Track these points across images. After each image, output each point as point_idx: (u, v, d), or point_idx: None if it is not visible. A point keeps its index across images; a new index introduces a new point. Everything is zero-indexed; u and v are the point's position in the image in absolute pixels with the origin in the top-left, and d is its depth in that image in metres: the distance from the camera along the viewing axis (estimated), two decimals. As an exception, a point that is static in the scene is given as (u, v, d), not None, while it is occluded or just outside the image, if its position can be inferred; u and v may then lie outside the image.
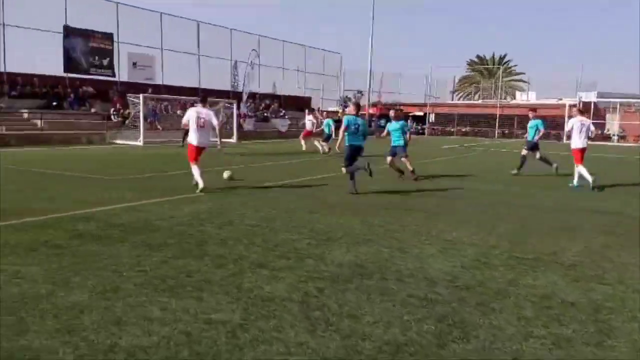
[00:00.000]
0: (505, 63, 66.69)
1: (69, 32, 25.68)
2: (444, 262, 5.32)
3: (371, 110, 50.25)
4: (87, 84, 27.01)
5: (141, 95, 22.41)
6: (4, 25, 24.18)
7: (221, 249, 5.56)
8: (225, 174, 10.79)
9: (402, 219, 7.53)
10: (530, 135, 13.91)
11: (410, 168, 12.23)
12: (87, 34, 26.41)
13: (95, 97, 26.96)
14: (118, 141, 22.12)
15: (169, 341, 3.29)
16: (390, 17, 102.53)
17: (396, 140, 12.28)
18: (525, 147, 13.96)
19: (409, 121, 51.30)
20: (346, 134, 9.95)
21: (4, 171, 11.85)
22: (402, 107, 53.17)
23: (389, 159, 12.48)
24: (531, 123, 13.84)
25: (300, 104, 43.69)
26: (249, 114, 33.89)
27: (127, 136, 21.88)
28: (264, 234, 6.28)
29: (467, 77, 72.68)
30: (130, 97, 23.36)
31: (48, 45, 25.89)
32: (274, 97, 40.50)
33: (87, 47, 26.46)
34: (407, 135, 12.43)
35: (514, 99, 57.83)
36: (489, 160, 19.93)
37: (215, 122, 9.77)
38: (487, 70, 68.47)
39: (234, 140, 26.12)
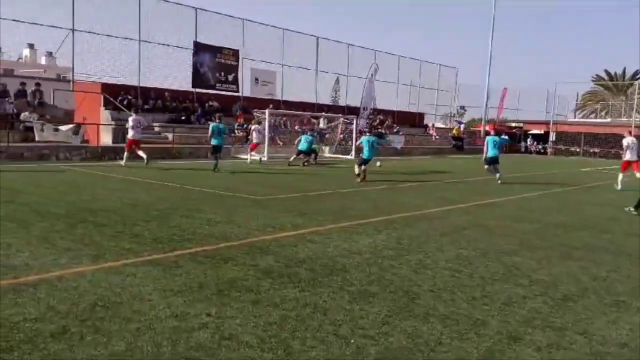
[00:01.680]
0: (639, 78, 60.59)
1: (199, 48, 26.33)
2: None
3: (487, 128, 47.50)
4: (212, 98, 27.54)
5: (267, 111, 22.22)
6: (140, 41, 25.22)
7: (441, 305, 4.47)
8: (378, 163, 15.25)
9: (623, 266, 6.06)
10: None
11: None
12: (215, 50, 26.97)
13: (218, 112, 27.39)
14: (241, 156, 22.01)
15: None
16: (510, 30, 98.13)
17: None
18: None
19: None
20: (214, 137, 15.84)
21: (151, 187, 11.72)
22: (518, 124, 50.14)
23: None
24: None
25: (412, 120, 42.26)
26: (365, 130, 33.02)
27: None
28: (477, 285, 5.12)
29: (592, 93, 67.03)
30: (256, 113, 23.28)
31: (178, 61, 26.72)
32: (387, 112, 39.39)
33: (214, 62, 26.98)
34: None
35: (649, 117, 52.45)
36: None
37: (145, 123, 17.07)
38: (616, 86, 62.67)
39: (351, 157, 25.30)
